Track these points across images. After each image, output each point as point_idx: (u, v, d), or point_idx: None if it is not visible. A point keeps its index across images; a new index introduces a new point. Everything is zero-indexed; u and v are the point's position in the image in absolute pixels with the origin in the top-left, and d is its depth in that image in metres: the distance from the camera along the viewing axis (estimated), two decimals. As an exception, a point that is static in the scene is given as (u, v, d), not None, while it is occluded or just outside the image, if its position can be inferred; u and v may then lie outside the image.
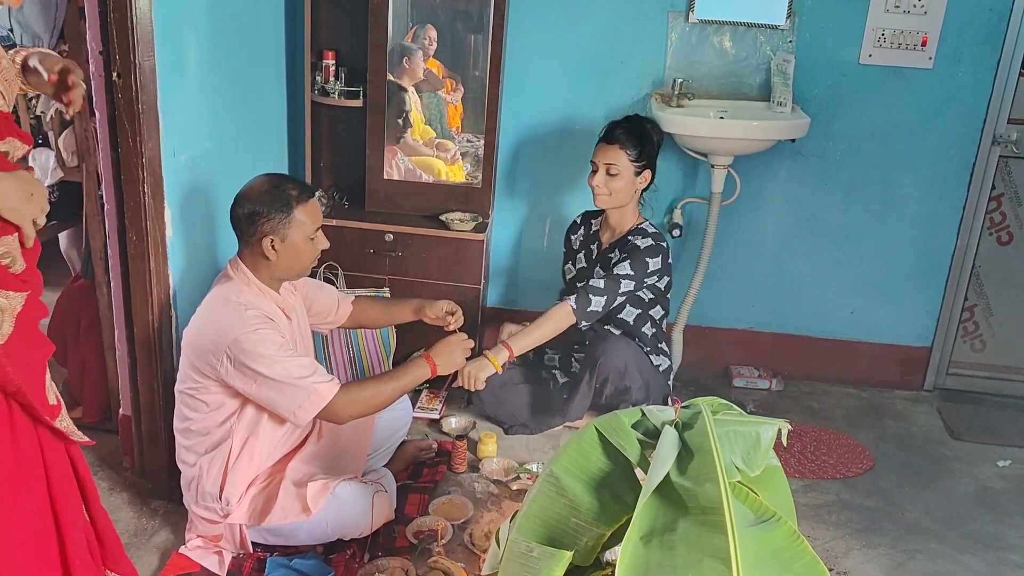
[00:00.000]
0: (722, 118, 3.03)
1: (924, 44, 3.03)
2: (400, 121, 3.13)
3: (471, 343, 2.34)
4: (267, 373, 2.04)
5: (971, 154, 3.15)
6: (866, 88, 3.11)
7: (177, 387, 2.21)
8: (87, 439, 1.66)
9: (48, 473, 1.60)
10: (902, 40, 3.03)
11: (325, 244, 2.23)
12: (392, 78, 3.05)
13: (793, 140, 3.08)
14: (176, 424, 2.24)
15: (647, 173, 2.70)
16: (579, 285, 2.77)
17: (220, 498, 2.18)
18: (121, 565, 1.83)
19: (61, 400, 1.62)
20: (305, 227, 2.15)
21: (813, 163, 3.22)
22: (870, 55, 3.06)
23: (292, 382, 2.05)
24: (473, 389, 2.47)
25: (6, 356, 1.44)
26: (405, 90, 3.09)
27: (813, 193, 3.26)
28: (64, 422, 1.60)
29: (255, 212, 2.12)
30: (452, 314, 2.48)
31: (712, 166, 3.08)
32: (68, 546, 1.65)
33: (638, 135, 2.66)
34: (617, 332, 2.79)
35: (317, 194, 2.30)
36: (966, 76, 3.06)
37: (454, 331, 2.42)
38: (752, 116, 3.05)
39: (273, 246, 2.13)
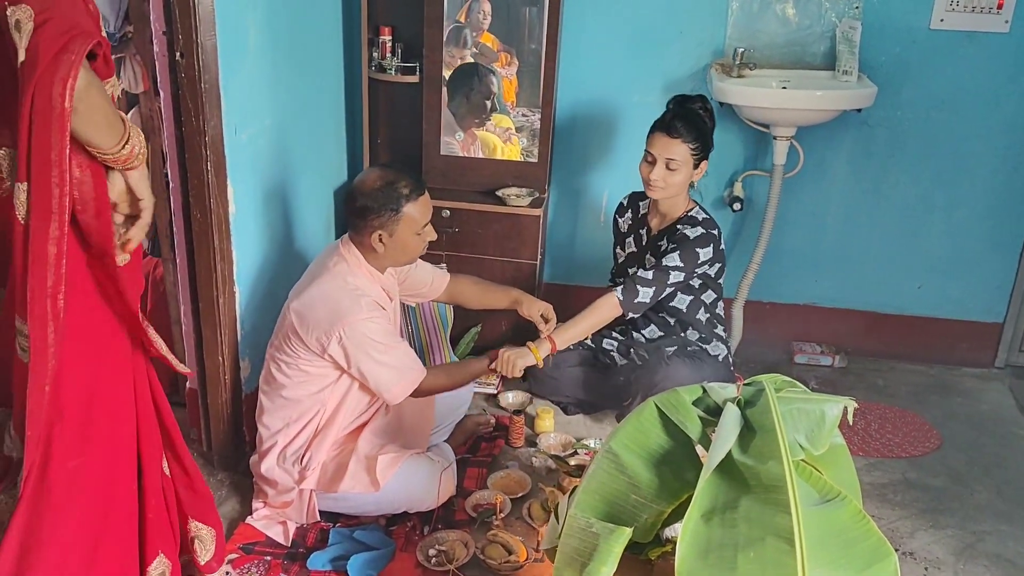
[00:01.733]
0: (785, 88, 2.95)
1: (1000, 7, 2.89)
2: (488, 103, 3.11)
3: (532, 361, 2.44)
4: (377, 358, 2.19)
5: (1049, 122, 3.02)
6: (937, 55, 2.99)
7: (271, 352, 2.29)
8: (187, 369, 1.76)
9: (138, 421, 1.68)
10: (976, 3, 2.90)
11: (433, 236, 2.32)
12: (471, 59, 3.06)
13: (859, 110, 2.99)
14: (264, 387, 2.31)
15: (704, 164, 2.60)
16: (629, 272, 2.72)
17: (302, 461, 2.26)
18: (208, 515, 1.91)
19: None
20: (414, 224, 2.23)
21: (880, 133, 3.12)
22: (942, 20, 2.95)
23: (394, 366, 2.21)
24: (510, 376, 2.46)
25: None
26: (493, 71, 3.07)
27: (880, 164, 3.16)
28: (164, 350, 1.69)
29: (366, 207, 2.19)
30: (547, 320, 2.54)
31: (774, 138, 3.01)
32: (147, 497, 1.72)
33: (699, 127, 2.55)
34: (671, 319, 2.75)
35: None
36: (1045, 40, 2.93)
37: (547, 336, 2.51)
38: (816, 86, 2.96)
39: (381, 240, 2.22)
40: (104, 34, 1.53)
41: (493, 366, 2.47)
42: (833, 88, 2.94)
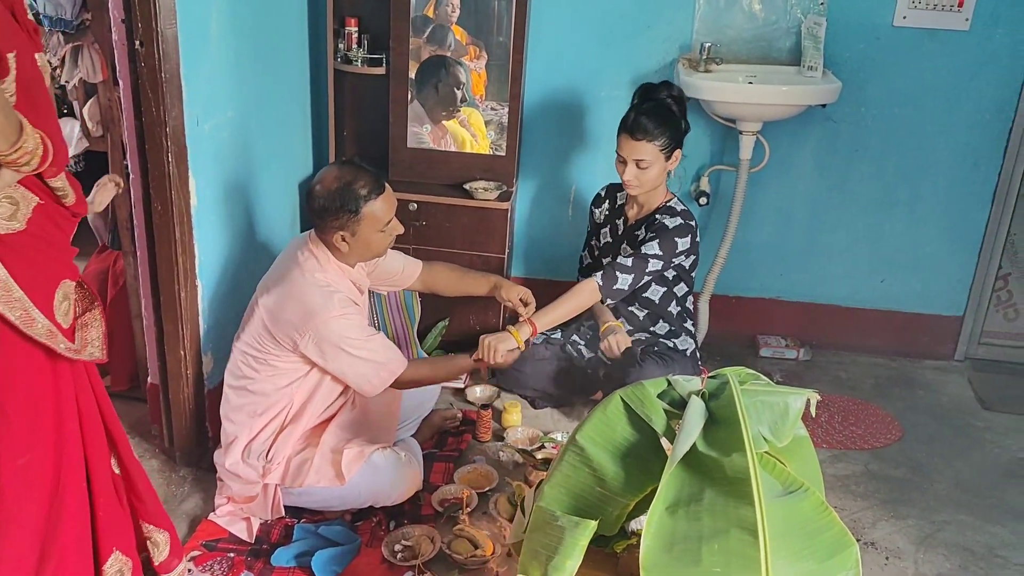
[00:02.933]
0: (751, 83, 2.97)
1: (961, 5, 2.94)
2: (459, 93, 3.08)
3: (513, 344, 2.41)
4: (351, 353, 2.17)
5: (1008, 118, 3.06)
6: (900, 51, 3.03)
7: (239, 346, 2.25)
8: (101, 357, 1.67)
9: (81, 419, 1.64)
10: (938, 1, 2.94)
11: (399, 230, 2.29)
12: (439, 51, 3.03)
13: (824, 106, 3.01)
14: (230, 380, 2.28)
15: (677, 152, 2.59)
16: (605, 262, 2.73)
17: (267, 456, 2.23)
18: (157, 517, 1.88)
19: (76, 335, 1.63)
20: (376, 222, 2.19)
21: (844, 129, 3.15)
22: (904, 17, 2.98)
23: (370, 360, 2.19)
24: (492, 362, 2.42)
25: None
26: (460, 63, 3.04)
27: (844, 160, 3.19)
28: (69, 346, 1.60)
29: (324, 209, 2.16)
30: (526, 304, 2.53)
31: (740, 132, 3.03)
32: (96, 496, 1.68)
33: (664, 119, 2.52)
34: (642, 312, 2.76)
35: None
36: (1004, 38, 2.97)
37: (526, 319, 2.49)
38: (782, 81, 2.98)
39: (344, 239, 2.18)
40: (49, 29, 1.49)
41: (476, 355, 2.43)
42: (798, 83, 2.96)
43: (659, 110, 2.54)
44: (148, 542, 1.87)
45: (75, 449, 1.63)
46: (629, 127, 2.53)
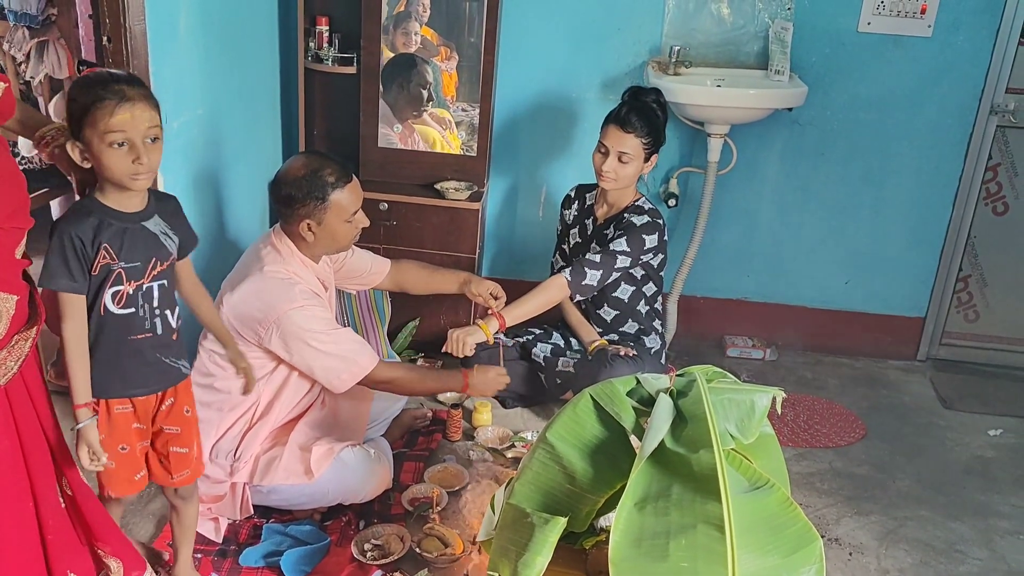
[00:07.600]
0: (719, 86, 3.00)
1: (923, 12, 3.00)
2: (425, 93, 3.08)
3: (507, 380, 2.41)
4: (315, 346, 2.13)
5: (968, 124, 3.13)
6: (864, 57, 3.08)
7: (205, 344, 2.23)
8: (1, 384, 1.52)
9: (21, 440, 1.55)
10: (901, 8, 3.00)
11: (365, 223, 2.27)
12: (403, 49, 3.03)
13: (790, 109, 3.06)
14: (196, 378, 2.24)
15: (654, 158, 2.64)
16: (575, 259, 2.76)
17: (235, 454, 2.21)
18: (110, 543, 1.78)
19: (24, 342, 1.53)
20: (342, 211, 2.18)
21: (810, 132, 3.20)
22: (869, 23, 3.04)
23: (336, 354, 2.16)
24: (460, 355, 2.46)
25: None
26: (428, 62, 3.04)
27: (809, 163, 3.24)
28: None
29: (291, 197, 2.15)
30: (497, 298, 2.54)
31: (709, 135, 3.06)
32: (43, 518, 1.61)
33: (651, 118, 2.58)
34: (611, 313, 2.79)
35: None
36: (965, 45, 3.03)
37: (495, 313, 2.49)
38: (749, 85, 3.02)
39: (310, 228, 2.17)
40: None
41: (445, 347, 2.45)
42: (765, 87, 3.00)
43: (648, 111, 2.59)
44: (104, 564, 1.80)
45: (13, 472, 1.53)
46: (621, 119, 2.57)
